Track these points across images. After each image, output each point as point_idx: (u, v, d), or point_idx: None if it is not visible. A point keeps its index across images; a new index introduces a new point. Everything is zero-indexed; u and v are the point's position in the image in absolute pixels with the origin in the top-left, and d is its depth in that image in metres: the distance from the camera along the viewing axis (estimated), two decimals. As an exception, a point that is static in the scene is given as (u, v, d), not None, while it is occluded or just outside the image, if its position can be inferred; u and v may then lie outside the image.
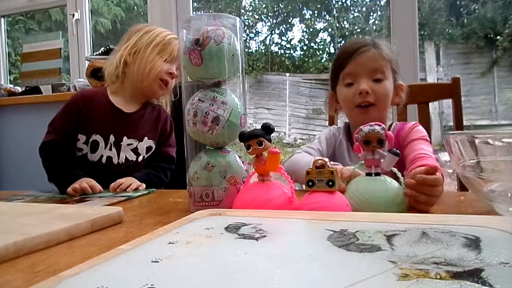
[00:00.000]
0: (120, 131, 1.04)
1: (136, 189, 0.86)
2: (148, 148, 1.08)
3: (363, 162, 0.50)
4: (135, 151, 1.05)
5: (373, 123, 0.49)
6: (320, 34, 3.37)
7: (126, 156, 1.04)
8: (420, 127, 0.86)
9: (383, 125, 0.48)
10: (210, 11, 2.93)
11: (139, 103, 1.10)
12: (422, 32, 2.82)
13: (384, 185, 0.48)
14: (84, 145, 1.03)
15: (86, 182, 0.86)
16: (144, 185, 0.90)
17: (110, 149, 1.03)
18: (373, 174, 0.49)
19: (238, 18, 0.61)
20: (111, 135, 1.03)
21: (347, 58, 0.87)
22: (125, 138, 1.04)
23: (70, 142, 1.02)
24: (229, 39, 0.57)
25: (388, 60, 0.86)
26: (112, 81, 1.08)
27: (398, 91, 0.90)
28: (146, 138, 1.07)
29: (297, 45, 3.51)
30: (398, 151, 0.49)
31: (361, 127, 0.49)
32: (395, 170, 0.50)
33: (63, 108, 1.05)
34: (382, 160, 0.49)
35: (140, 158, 1.06)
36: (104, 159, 1.02)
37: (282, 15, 3.51)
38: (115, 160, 1.03)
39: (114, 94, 1.09)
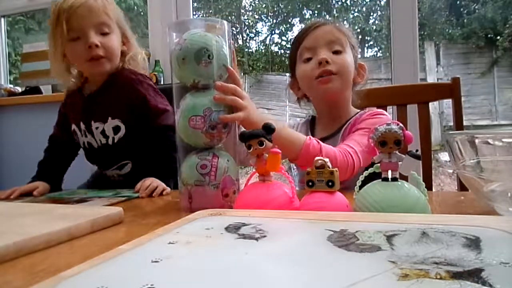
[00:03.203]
0: (87, 116, 0.99)
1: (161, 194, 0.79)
2: (116, 128, 0.98)
3: (378, 165, 0.45)
4: (104, 133, 0.99)
5: (390, 122, 0.43)
6: (320, 34, 3.36)
7: (100, 140, 1.00)
8: (380, 116, 0.82)
9: (401, 124, 0.43)
10: (210, 11, 2.93)
11: (102, 77, 0.99)
12: (422, 32, 2.82)
13: (402, 192, 0.42)
14: (74, 135, 1.05)
15: (23, 189, 0.87)
16: (169, 190, 0.81)
17: (86, 135, 1.01)
18: (389, 179, 0.44)
19: (225, 22, 0.61)
20: (81, 122, 1.00)
21: (305, 33, 0.88)
22: (92, 122, 0.99)
23: (62, 133, 1.06)
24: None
25: (347, 35, 0.86)
26: (74, 84, 1.03)
27: (359, 71, 0.89)
28: (109, 118, 0.97)
29: (297, 45, 3.50)
30: (419, 153, 0.44)
31: (377, 126, 0.43)
32: (415, 175, 0.45)
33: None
34: (400, 163, 0.43)
35: (111, 140, 0.98)
36: (87, 145, 1.02)
37: (282, 15, 3.51)
38: (94, 145, 1.01)
39: (85, 85, 1.03)
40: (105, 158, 1.02)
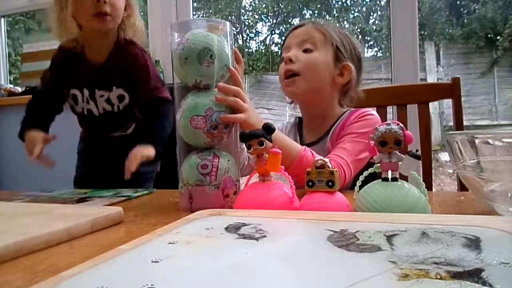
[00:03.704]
0: (91, 84, 1.04)
1: (150, 163, 0.86)
2: (120, 97, 1.05)
3: (378, 165, 0.45)
4: (109, 101, 1.05)
5: (390, 122, 0.43)
6: (320, 34, 3.34)
7: (103, 107, 1.06)
8: (368, 117, 0.81)
9: (401, 124, 0.43)
10: (210, 11, 2.93)
11: (106, 47, 1.04)
12: (422, 32, 2.82)
13: (402, 192, 0.42)
14: (70, 99, 1.08)
15: (28, 143, 0.94)
16: (152, 154, 0.86)
17: (88, 102, 1.06)
18: (389, 179, 0.44)
19: (228, 22, 0.61)
20: (84, 88, 1.05)
21: (287, 34, 0.90)
22: (96, 90, 1.04)
23: (56, 92, 1.08)
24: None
25: (327, 34, 0.85)
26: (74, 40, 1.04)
27: (342, 71, 0.86)
28: (114, 87, 1.04)
29: (297, 45, 3.50)
30: (419, 153, 0.43)
31: (377, 126, 0.43)
32: (415, 174, 0.44)
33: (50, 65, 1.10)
34: (400, 163, 0.43)
35: (116, 108, 1.06)
36: (85, 112, 1.07)
37: (282, 15, 3.51)
38: (95, 112, 1.06)
39: (88, 52, 1.06)
40: (109, 124, 1.08)
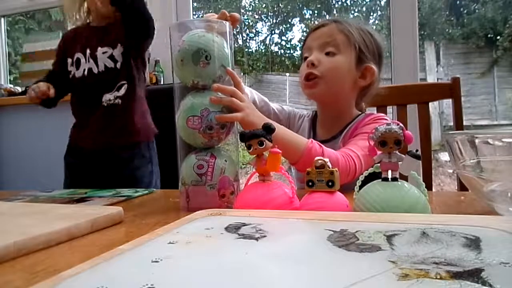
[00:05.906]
0: (94, 43, 1.14)
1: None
2: (125, 54, 1.15)
3: (378, 165, 0.45)
4: (112, 58, 1.13)
5: (390, 122, 0.43)
6: (320, 34, 3.34)
7: (105, 64, 1.13)
8: (381, 121, 0.80)
9: (401, 124, 0.43)
10: (210, 11, 2.93)
11: (105, 18, 1.20)
12: (422, 32, 2.82)
13: (401, 192, 0.42)
14: (72, 67, 1.16)
15: (37, 86, 1.06)
16: None
17: (89, 61, 1.13)
18: (389, 179, 0.44)
19: (227, 22, 0.62)
20: (87, 48, 1.14)
21: (308, 33, 0.88)
22: (99, 48, 1.14)
23: (59, 69, 1.21)
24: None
25: (350, 36, 0.83)
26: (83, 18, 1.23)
27: (364, 73, 0.84)
28: (119, 45, 1.14)
29: (297, 45, 3.50)
30: (419, 153, 0.43)
31: (377, 126, 0.43)
32: (415, 174, 0.44)
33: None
34: (400, 163, 0.43)
35: (119, 65, 1.14)
36: (86, 72, 1.13)
37: (282, 15, 3.51)
38: (95, 70, 1.13)
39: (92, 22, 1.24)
40: (107, 82, 1.14)
